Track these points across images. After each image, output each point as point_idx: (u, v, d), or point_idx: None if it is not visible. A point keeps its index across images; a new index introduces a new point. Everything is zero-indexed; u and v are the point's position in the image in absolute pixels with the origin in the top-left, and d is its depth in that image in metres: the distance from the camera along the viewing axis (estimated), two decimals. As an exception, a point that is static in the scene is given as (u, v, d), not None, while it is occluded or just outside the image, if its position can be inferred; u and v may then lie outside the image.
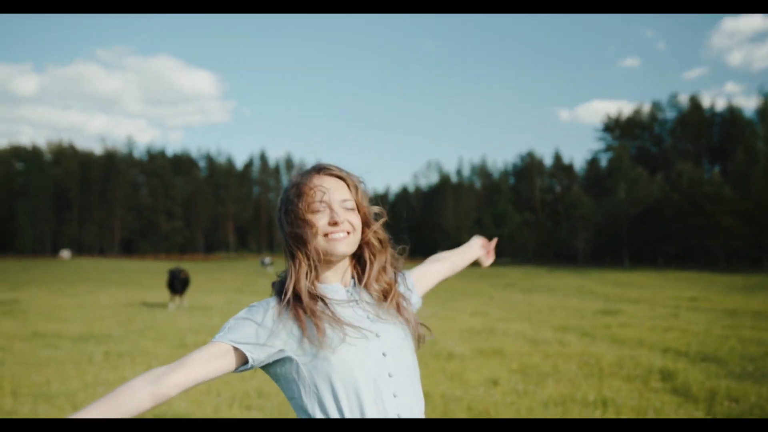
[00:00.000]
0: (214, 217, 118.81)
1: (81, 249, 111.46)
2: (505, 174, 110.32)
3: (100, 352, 9.55)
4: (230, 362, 1.78)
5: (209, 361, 1.76)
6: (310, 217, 1.82)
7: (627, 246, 69.68)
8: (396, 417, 1.75)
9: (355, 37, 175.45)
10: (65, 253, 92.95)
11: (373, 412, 1.74)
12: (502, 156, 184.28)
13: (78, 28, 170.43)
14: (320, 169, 1.91)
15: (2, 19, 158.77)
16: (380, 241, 1.95)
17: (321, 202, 1.83)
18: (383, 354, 1.78)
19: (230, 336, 1.77)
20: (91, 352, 9.48)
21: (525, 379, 7.52)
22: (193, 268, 52.62)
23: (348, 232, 1.84)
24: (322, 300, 1.82)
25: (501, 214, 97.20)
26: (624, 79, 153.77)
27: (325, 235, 1.82)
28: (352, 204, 1.87)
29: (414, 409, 1.80)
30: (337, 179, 1.90)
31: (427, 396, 6.61)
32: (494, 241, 2.60)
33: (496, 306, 19.56)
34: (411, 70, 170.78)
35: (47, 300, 20.69)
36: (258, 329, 1.79)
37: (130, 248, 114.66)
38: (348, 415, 1.73)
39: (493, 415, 5.83)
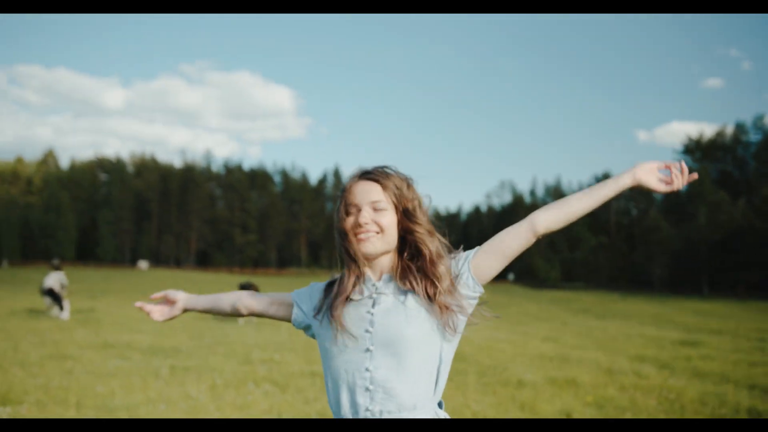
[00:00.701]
0: (287, 231, 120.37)
1: (158, 260, 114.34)
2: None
3: (167, 366, 9.54)
4: (287, 313, 2.25)
5: (275, 304, 2.28)
6: (344, 219, 2.04)
7: (706, 273, 67.28)
8: (365, 409, 1.92)
9: (431, 56, 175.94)
10: (143, 264, 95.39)
11: (345, 399, 1.98)
12: (577, 176, 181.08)
13: (162, 43, 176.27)
14: (359, 174, 2.08)
15: (91, 34, 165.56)
16: (423, 239, 2.03)
17: (352, 205, 2.02)
18: (367, 349, 1.95)
19: (296, 295, 2.24)
20: (158, 366, 9.48)
21: (600, 413, 7.12)
22: (266, 282, 53.21)
23: (377, 232, 2.00)
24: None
25: (575, 236, 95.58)
26: (706, 99, 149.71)
27: (355, 235, 2.00)
28: (384, 205, 2.01)
29: (389, 403, 1.91)
30: (371, 182, 2.04)
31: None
32: (683, 169, 2.22)
33: (569, 332, 18.97)
34: (486, 88, 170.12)
35: (122, 310, 21.08)
36: (308, 299, 2.19)
37: (205, 260, 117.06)
38: (331, 397, 2.03)
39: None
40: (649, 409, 7.36)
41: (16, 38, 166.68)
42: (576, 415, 6.90)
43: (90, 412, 6.46)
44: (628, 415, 6.96)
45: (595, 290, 68.15)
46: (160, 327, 15.75)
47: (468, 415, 6.77)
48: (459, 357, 11.69)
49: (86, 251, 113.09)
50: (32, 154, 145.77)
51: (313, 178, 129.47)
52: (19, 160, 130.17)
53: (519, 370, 10.14)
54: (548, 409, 7.14)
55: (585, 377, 9.48)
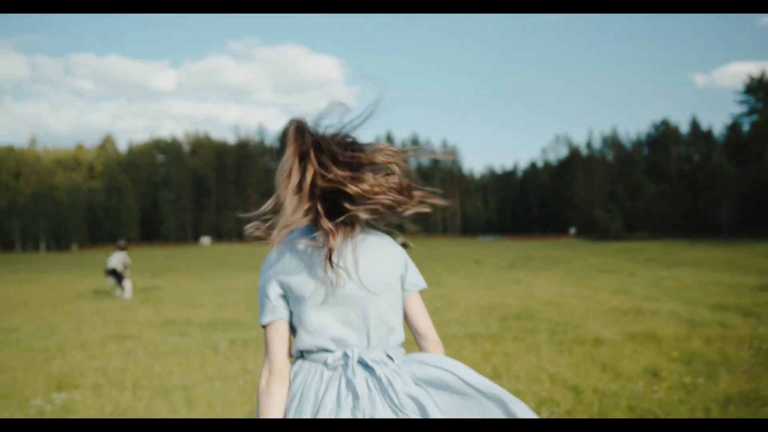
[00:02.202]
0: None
1: (220, 235, 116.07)
2: (638, 144, 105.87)
3: (226, 340, 9.29)
4: None
5: None
6: None
7: (778, 215, 64.95)
8: None
9: (477, 13, 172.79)
10: (205, 240, 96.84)
11: None
12: (634, 126, 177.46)
13: (209, 22, 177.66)
14: None
15: (139, 19, 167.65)
16: None
17: None
18: None
19: None
20: (217, 341, 9.23)
21: (690, 369, 6.54)
22: (325, 250, 53.17)
23: None
24: None
25: (636, 186, 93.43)
26: (766, 37, 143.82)
27: None
28: None
29: None
30: None
31: (576, 390, 5.81)
32: None
33: (639, 283, 18.20)
34: (536, 41, 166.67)
35: (184, 286, 21.09)
36: None
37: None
38: None
39: (660, 416, 4.96)
40: (743, 362, 6.76)
41: (68, 29, 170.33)
42: (664, 373, 6.34)
43: (146, 393, 6.19)
44: (722, 370, 6.37)
45: (660, 239, 66.48)
46: (220, 300, 15.62)
47: (544, 379, 6.27)
48: (526, 314, 11.20)
49: (150, 231, 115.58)
50: (91, 141, 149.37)
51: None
52: (80, 147, 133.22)
53: (593, 326, 9.59)
54: (632, 368, 6.59)
55: (665, 331, 8.88)
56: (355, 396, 1.84)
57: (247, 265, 37.54)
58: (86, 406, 5.75)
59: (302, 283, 1.93)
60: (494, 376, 6.47)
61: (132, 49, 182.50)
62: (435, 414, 1.82)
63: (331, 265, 1.88)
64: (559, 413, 5.08)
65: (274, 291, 1.95)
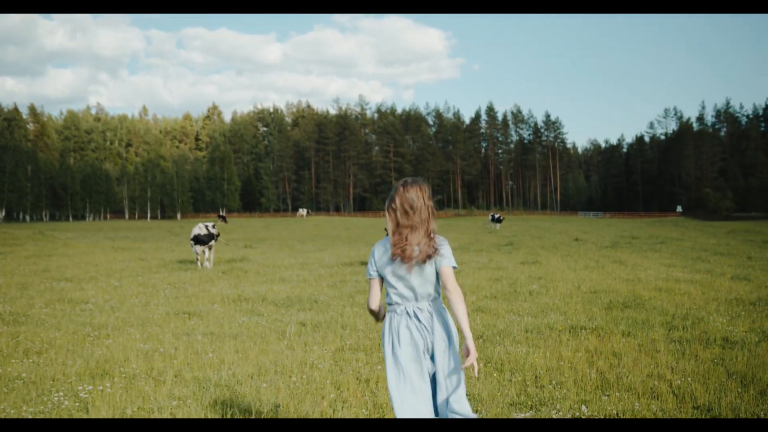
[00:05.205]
0: (442, 173, 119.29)
1: (318, 207, 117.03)
2: (754, 119, 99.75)
3: (296, 322, 8.40)
4: None
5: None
6: None
7: None
8: None
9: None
10: (302, 212, 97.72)
11: None
12: (750, 99, 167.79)
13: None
14: None
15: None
16: None
17: None
18: None
19: None
20: (287, 324, 8.35)
21: None
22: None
23: None
24: None
25: (749, 163, 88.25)
26: None
27: None
28: None
29: None
30: None
31: (711, 411, 4.59)
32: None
33: (759, 268, 16.29)
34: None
35: (272, 258, 20.51)
36: None
37: (363, 206, 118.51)
38: None
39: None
40: None
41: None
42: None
43: (183, 390, 5.31)
44: None
45: (779, 220, 62.19)
46: (305, 275, 14.83)
47: (666, 394, 5.01)
48: (635, 302, 9.83)
49: (251, 201, 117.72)
50: (199, 112, 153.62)
51: (467, 118, 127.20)
52: (187, 117, 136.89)
53: (718, 320, 8.15)
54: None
55: (809, 329, 7.40)
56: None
57: (340, 237, 37.02)
58: (109, 404, 4.91)
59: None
60: (601, 385, 5.27)
61: (241, 23, 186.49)
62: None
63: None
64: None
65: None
